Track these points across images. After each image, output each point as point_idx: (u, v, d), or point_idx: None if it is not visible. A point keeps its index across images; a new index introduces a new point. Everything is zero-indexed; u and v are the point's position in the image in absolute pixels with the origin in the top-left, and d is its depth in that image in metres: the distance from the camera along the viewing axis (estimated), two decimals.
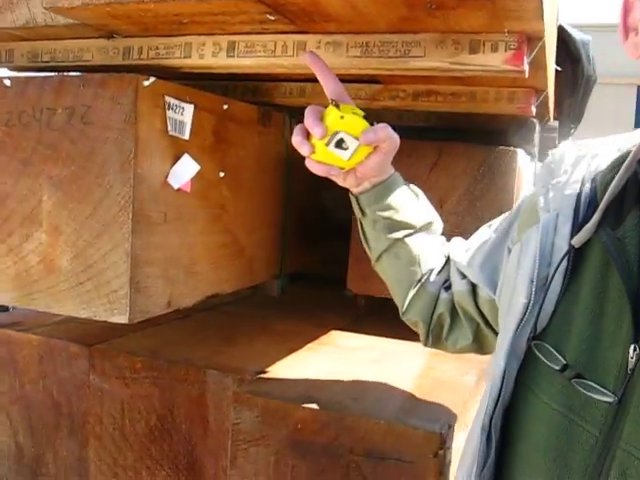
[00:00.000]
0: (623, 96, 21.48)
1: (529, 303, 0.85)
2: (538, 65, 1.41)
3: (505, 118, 1.84)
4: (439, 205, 1.78)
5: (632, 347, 0.75)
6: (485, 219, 1.75)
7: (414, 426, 1.26)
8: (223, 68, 1.43)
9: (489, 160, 1.74)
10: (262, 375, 1.50)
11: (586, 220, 0.85)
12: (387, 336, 1.83)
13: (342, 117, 1.13)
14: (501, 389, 0.86)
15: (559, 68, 1.83)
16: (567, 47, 2.92)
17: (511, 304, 0.90)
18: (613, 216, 0.85)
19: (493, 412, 0.86)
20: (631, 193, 0.84)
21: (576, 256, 0.86)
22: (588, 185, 0.90)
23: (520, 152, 1.74)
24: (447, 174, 1.75)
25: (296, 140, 1.15)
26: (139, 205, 1.38)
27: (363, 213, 1.29)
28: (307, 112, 1.15)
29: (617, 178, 0.85)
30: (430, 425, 1.26)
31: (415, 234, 1.28)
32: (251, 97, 1.90)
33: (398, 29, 1.23)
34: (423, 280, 1.27)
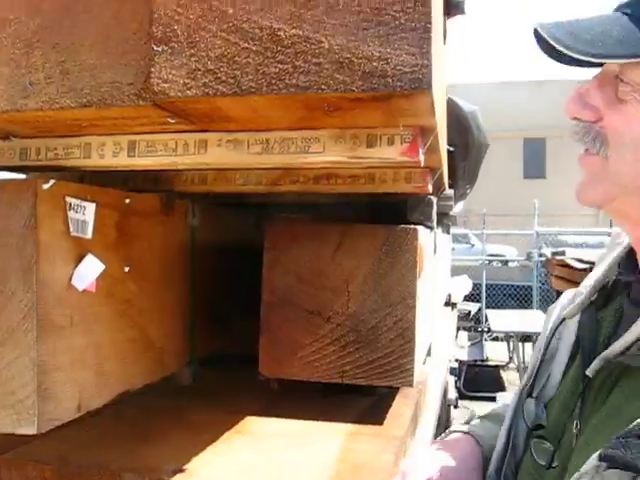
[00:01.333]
0: (512, 149, 22.51)
1: (534, 368, 0.97)
2: (432, 150, 1.47)
3: (404, 195, 1.91)
4: (345, 286, 1.81)
5: (574, 423, 0.83)
6: (391, 296, 1.80)
7: None
8: (124, 167, 1.43)
9: (391, 239, 1.79)
10: (180, 474, 1.47)
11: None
12: (302, 418, 1.82)
13: None
14: (507, 444, 0.94)
15: (451, 148, 1.92)
16: (457, 118, 3.08)
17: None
18: (603, 298, 0.95)
19: (502, 464, 0.94)
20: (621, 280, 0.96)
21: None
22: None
23: (420, 229, 1.80)
24: (351, 255, 1.79)
25: None
26: (43, 311, 1.35)
27: None
28: None
29: (610, 262, 0.95)
30: None
31: None
32: (152, 186, 1.90)
33: (298, 127, 1.26)
34: None
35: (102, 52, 1.15)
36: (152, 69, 1.08)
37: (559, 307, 1.11)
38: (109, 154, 1.39)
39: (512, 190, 22.11)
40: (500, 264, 14.28)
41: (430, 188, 1.80)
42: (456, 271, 7.27)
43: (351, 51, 1.02)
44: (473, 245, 16.00)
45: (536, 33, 0.96)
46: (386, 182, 1.78)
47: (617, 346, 0.85)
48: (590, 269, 3.04)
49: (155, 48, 1.08)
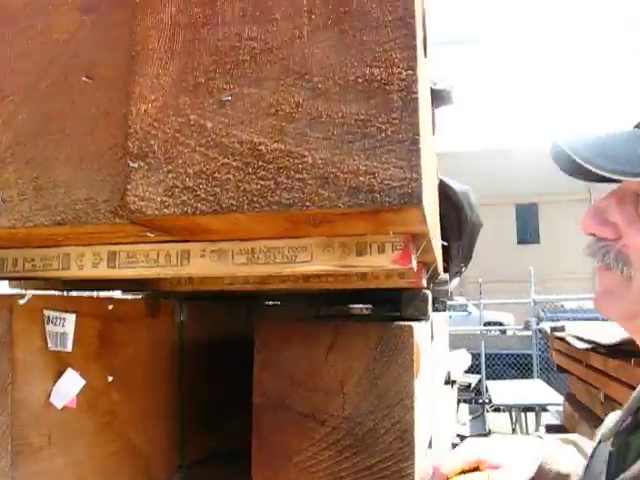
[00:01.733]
0: (504, 214, 22.64)
1: None
2: (426, 250, 1.42)
3: (398, 290, 1.85)
4: (339, 387, 1.73)
5: None
6: (388, 398, 1.72)
7: None
8: (105, 277, 1.37)
9: (386, 338, 1.72)
10: None
11: None
12: None
13: None
14: None
15: (445, 243, 1.87)
16: (449, 198, 3.04)
17: None
18: (635, 421, 0.93)
19: None
20: None
21: None
22: None
23: (416, 325, 1.73)
24: (345, 355, 1.72)
25: None
26: (19, 433, 1.27)
27: None
28: None
29: None
30: None
31: None
32: (137, 287, 1.84)
33: (283, 236, 1.21)
34: None
35: (77, 167, 1.10)
36: (128, 186, 1.03)
37: (603, 428, 1.07)
38: (88, 265, 1.33)
39: (506, 256, 22.12)
40: (498, 332, 14.16)
41: (424, 283, 1.74)
42: (454, 340, 7.17)
43: (336, 165, 0.97)
44: (470, 313, 15.89)
45: (554, 145, 0.94)
46: (379, 278, 1.72)
47: (628, 474, 0.83)
48: (592, 349, 2.95)
49: (131, 164, 1.03)
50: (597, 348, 2.96)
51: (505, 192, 23.08)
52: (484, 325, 13.09)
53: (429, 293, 1.89)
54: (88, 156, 1.09)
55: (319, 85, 0.99)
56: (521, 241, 23.77)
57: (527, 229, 23.68)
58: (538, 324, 10.89)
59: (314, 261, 1.22)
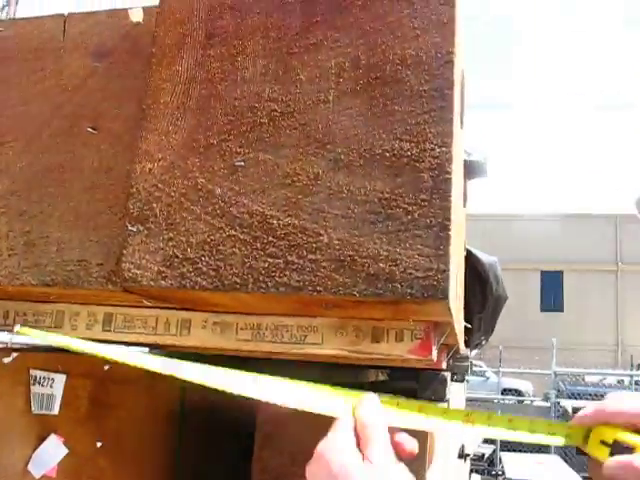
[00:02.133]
0: (529, 281, 22.36)
1: None
2: (448, 335, 1.30)
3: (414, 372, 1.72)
4: None
5: None
6: None
7: None
8: (98, 340, 1.26)
9: None
10: None
11: None
12: None
13: None
14: None
15: (469, 325, 1.75)
16: (475, 269, 2.92)
17: None
18: None
19: None
20: None
21: None
22: None
23: None
24: None
25: None
26: None
27: None
28: None
29: None
30: None
31: None
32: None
33: (293, 314, 1.10)
34: None
35: (72, 225, 1.01)
36: (125, 251, 0.93)
37: None
38: (82, 326, 1.23)
39: (529, 323, 21.78)
40: (517, 401, 13.83)
41: (444, 365, 1.62)
42: (469, 405, 6.95)
43: (354, 248, 0.86)
44: (488, 378, 15.55)
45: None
46: (394, 360, 1.60)
47: None
48: None
49: (130, 227, 0.93)
50: None
51: (531, 258, 22.86)
52: (502, 393, 12.78)
53: (448, 375, 1.76)
54: (85, 214, 1.00)
55: (342, 156, 0.89)
56: (545, 308, 23.43)
57: (551, 296, 23.36)
58: (557, 396, 10.60)
59: (325, 344, 1.11)
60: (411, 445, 0.83)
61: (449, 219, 0.86)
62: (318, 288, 0.86)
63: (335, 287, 0.86)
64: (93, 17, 1.09)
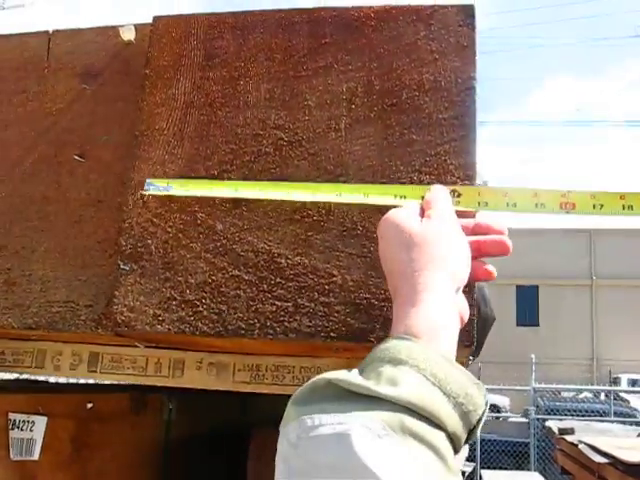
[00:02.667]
0: (504, 295, 22.41)
1: None
2: None
3: None
4: None
5: None
6: None
7: None
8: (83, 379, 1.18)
9: None
10: None
11: None
12: None
13: None
14: None
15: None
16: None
17: None
18: None
19: None
20: None
21: None
22: None
23: None
24: None
25: None
26: None
27: None
28: None
29: None
30: None
31: None
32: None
33: (296, 354, 1.02)
34: None
35: (57, 262, 0.92)
36: (116, 292, 0.85)
37: None
38: (66, 366, 1.15)
39: (505, 338, 21.83)
40: (494, 417, 13.78)
41: None
42: None
43: (370, 290, 0.79)
44: None
45: None
46: None
47: None
48: (611, 463, 2.69)
49: (122, 266, 0.85)
50: (615, 463, 2.73)
51: (506, 272, 22.93)
52: None
53: None
54: (72, 250, 0.91)
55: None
56: (520, 323, 23.47)
57: (526, 311, 23.42)
58: (537, 412, 10.55)
59: None
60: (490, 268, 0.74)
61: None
62: (332, 334, 0.79)
63: (350, 333, 0.78)
64: (80, 35, 1.01)
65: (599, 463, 3.07)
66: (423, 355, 0.56)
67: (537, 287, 23.63)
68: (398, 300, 0.63)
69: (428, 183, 0.81)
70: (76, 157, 0.94)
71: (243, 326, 0.80)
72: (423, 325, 0.59)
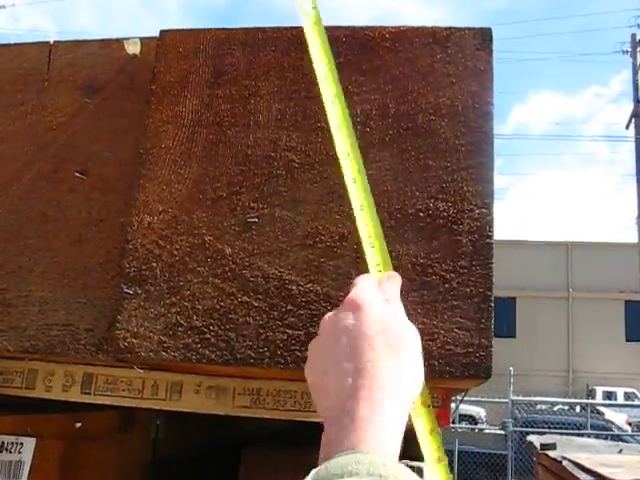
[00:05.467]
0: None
1: None
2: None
3: None
4: None
5: None
6: None
7: None
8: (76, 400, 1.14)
9: None
10: None
11: None
12: None
13: None
14: None
15: None
16: None
17: None
18: None
19: None
20: None
21: None
22: None
23: (424, 466, 1.50)
24: None
25: None
26: None
27: None
28: None
29: None
30: None
31: None
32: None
33: (297, 379, 0.99)
34: None
35: (56, 283, 0.89)
36: (119, 316, 0.82)
37: None
38: (58, 387, 1.11)
39: None
40: (470, 428, 13.78)
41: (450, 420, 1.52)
42: None
43: None
44: None
45: None
46: None
47: None
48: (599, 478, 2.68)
49: (125, 289, 0.82)
50: None
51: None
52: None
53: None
54: (72, 271, 0.88)
55: None
56: (497, 334, 23.58)
57: (503, 323, 23.52)
58: (514, 425, 10.57)
59: None
60: None
61: (490, 289, 0.77)
62: None
63: None
64: (83, 47, 0.98)
65: None
66: (387, 468, 0.52)
67: (515, 299, 23.75)
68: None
69: (444, 210, 0.79)
70: (77, 174, 0.91)
71: (252, 355, 0.77)
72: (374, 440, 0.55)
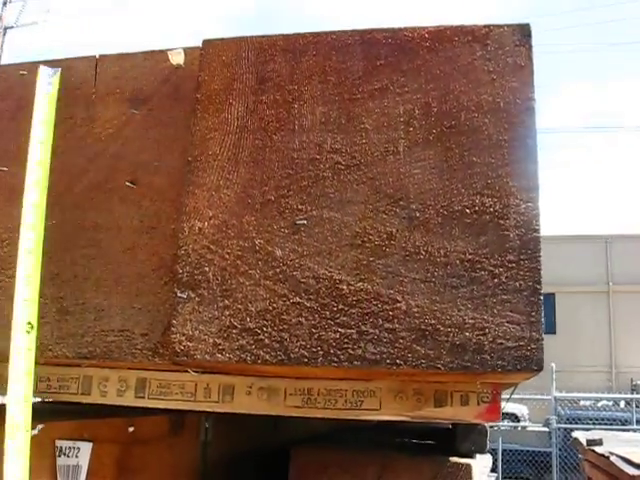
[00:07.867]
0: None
1: None
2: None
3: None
4: None
5: None
6: None
7: None
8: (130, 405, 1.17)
9: (440, 476, 1.49)
10: None
11: None
12: None
13: None
14: None
15: None
16: None
17: None
18: None
19: None
20: None
21: None
22: None
23: (474, 464, 1.50)
24: None
25: None
26: None
27: None
28: None
29: None
30: None
31: None
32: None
33: (349, 378, 1.01)
34: None
35: (111, 290, 0.91)
36: (174, 320, 0.84)
37: None
38: (112, 392, 1.14)
39: None
40: (513, 426, 13.66)
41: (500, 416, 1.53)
42: None
43: (436, 316, 0.78)
44: None
45: None
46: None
47: None
48: None
49: (179, 294, 0.84)
50: None
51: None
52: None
53: (487, 426, 1.67)
54: (126, 278, 0.91)
55: (417, 214, 0.81)
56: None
57: (544, 319, 23.27)
58: (558, 422, 10.47)
59: (383, 410, 1.01)
60: None
61: (539, 282, 0.77)
62: (397, 361, 0.77)
63: (416, 360, 0.77)
64: (128, 59, 1.01)
65: (633, 475, 3.03)
66: None
67: (554, 295, 23.49)
68: None
69: (490, 206, 0.80)
70: (127, 183, 0.93)
71: (306, 354, 0.79)
72: None
